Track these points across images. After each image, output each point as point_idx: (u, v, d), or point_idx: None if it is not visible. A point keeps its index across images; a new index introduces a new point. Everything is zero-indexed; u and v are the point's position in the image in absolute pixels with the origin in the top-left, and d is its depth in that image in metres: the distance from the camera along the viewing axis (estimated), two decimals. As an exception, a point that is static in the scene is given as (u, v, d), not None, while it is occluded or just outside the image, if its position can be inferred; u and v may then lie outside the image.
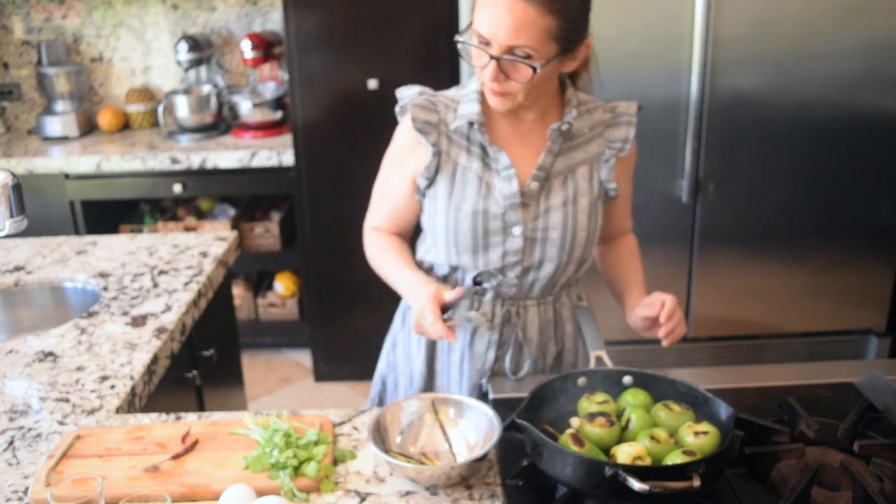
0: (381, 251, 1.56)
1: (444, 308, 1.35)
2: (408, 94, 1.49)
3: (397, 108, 1.52)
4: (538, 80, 1.33)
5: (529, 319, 1.51)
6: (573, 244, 1.46)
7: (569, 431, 1.17)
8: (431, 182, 1.46)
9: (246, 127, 3.39)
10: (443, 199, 1.45)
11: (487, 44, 1.30)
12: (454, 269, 1.51)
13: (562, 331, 1.56)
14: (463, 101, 1.45)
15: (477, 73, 1.37)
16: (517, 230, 1.43)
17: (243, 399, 2.37)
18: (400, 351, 1.65)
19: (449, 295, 1.35)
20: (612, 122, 1.49)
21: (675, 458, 1.11)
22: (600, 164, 1.48)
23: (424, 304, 1.34)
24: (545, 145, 1.44)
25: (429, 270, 1.56)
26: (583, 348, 1.62)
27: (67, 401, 1.43)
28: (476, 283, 1.45)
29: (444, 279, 1.54)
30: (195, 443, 1.27)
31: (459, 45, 1.36)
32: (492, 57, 1.30)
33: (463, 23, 2.64)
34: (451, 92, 1.49)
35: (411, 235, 1.61)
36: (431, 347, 1.58)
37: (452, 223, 1.44)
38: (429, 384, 1.60)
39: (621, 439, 1.20)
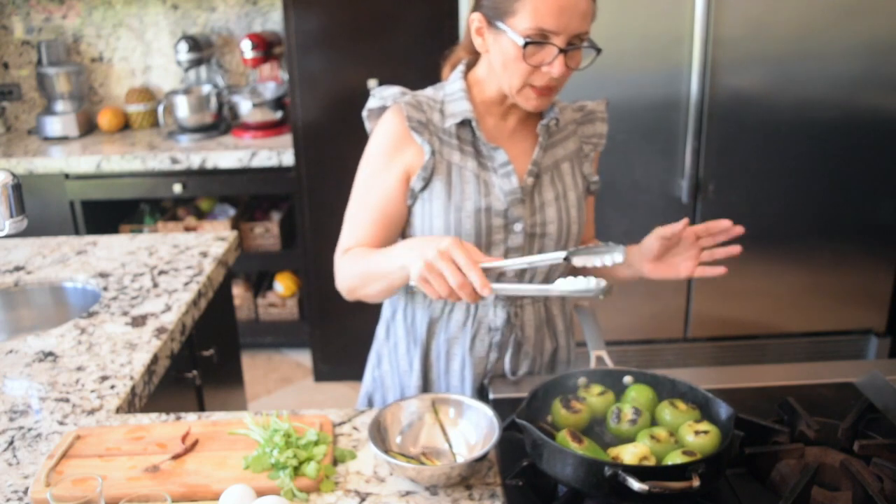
0: (356, 258, 1.42)
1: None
2: (389, 94, 1.46)
3: (365, 112, 1.49)
4: (571, 73, 1.36)
5: (527, 318, 1.51)
6: (567, 238, 1.48)
7: (565, 430, 1.17)
8: (426, 183, 1.44)
9: (246, 127, 3.39)
10: (440, 200, 1.42)
11: (546, 38, 1.30)
12: None
13: (554, 328, 1.56)
14: (449, 101, 1.44)
15: (519, 76, 1.33)
16: (518, 226, 1.43)
17: (243, 399, 2.37)
18: (386, 366, 1.61)
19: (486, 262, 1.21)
20: (584, 119, 1.54)
21: (674, 458, 1.11)
22: (581, 160, 1.52)
23: (449, 242, 1.20)
24: (531, 142, 1.47)
25: None
26: (575, 345, 1.63)
27: (67, 401, 1.43)
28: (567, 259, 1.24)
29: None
30: (195, 443, 1.27)
31: (522, 47, 1.30)
32: (561, 49, 1.30)
33: (462, 22, 2.64)
34: (430, 92, 1.48)
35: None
36: (425, 359, 1.54)
37: (454, 223, 1.42)
38: None
39: (627, 436, 1.21)
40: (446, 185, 1.42)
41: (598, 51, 1.36)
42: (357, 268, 1.41)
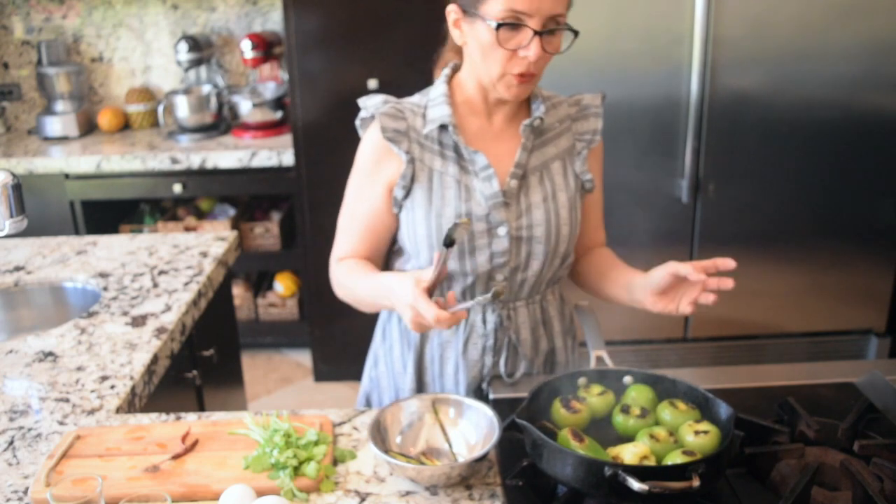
0: (347, 274, 1.48)
1: (431, 291, 1.26)
2: (372, 104, 1.46)
3: (357, 121, 1.49)
4: (550, 58, 1.34)
5: (521, 321, 1.51)
6: (557, 239, 1.45)
7: (567, 428, 1.17)
8: (408, 192, 1.43)
9: (246, 127, 3.39)
10: (422, 208, 1.42)
11: (520, 20, 1.28)
12: None
13: (550, 329, 1.56)
14: (431, 106, 1.44)
15: (498, 63, 1.32)
16: (502, 230, 1.41)
17: (243, 399, 2.37)
18: (382, 367, 1.61)
19: (426, 274, 1.26)
20: (579, 115, 1.50)
21: (674, 458, 1.11)
22: (573, 158, 1.49)
23: (412, 298, 1.24)
24: (517, 143, 1.44)
25: None
26: (572, 345, 1.62)
27: (67, 401, 1.43)
28: (448, 243, 1.25)
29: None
30: (195, 443, 1.27)
31: (496, 30, 1.29)
32: (536, 32, 1.28)
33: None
34: (415, 98, 1.48)
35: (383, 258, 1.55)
36: (419, 362, 1.54)
37: (435, 230, 1.41)
38: None
39: (633, 431, 1.21)
40: (427, 192, 1.42)
41: (576, 33, 1.34)
42: (350, 288, 1.48)
